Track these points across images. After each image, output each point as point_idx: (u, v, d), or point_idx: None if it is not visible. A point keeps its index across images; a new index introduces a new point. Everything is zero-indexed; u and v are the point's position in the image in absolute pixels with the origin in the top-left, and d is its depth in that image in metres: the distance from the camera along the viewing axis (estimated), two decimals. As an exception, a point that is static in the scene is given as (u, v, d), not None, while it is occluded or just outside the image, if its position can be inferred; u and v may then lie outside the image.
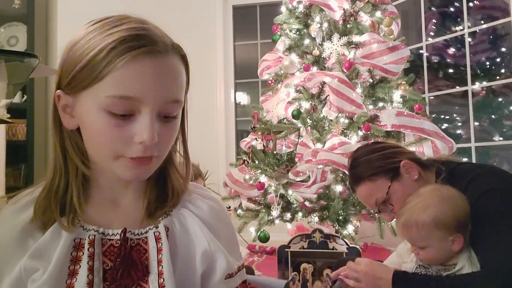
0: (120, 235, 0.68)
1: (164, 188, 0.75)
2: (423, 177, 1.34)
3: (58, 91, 0.68)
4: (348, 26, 2.54)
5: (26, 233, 0.66)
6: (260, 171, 2.50)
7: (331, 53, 2.51)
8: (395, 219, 1.36)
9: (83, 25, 0.68)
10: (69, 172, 0.69)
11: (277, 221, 2.47)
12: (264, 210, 2.48)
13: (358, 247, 2.09)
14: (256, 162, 2.56)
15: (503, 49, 3.29)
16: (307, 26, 2.68)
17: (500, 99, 3.32)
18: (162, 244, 0.69)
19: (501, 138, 3.24)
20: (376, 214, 1.53)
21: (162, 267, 0.67)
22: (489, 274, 1.08)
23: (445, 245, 1.15)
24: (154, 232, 0.70)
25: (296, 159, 2.35)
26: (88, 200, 0.71)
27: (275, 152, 2.52)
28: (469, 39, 3.16)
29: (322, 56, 2.55)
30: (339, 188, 2.30)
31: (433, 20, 3.49)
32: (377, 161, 1.38)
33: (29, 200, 0.70)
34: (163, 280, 0.66)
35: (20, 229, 0.66)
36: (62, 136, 0.70)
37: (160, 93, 0.63)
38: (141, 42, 0.62)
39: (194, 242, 0.71)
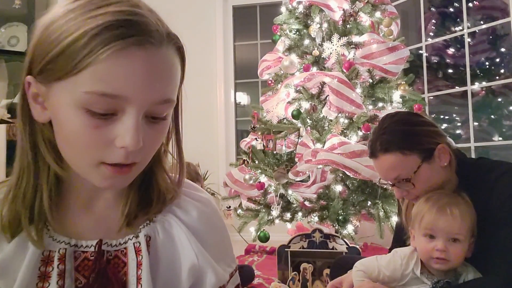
0: (95, 248, 0.60)
1: (148, 191, 0.65)
2: (451, 165, 1.25)
3: (29, 77, 0.55)
4: (348, 26, 2.55)
5: None
6: (260, 171, 2.50)
7: (331, 53, 2.52)
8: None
9: (64, 1, 0.55)
10: (40, 173, 0.59)
11: (277, 221, 2.47)
12: (264, 210, 2.48)
13: (357, 247, 2.09)
14: (256, 162, 2.56)
15: (503, 49, 3.29)
16: (307, 26, 2.69)
17: (499, 99, 3.32)
18: (142, 258, 0.61)
19: (500, 138, 3.25)
20: (390, 187, 1.42)
21: (141, 285, 0.59)
22: (505, 280, 1.05)
23: (467, 245, 1.13)
24: (134, 243, 0.62)
25: (296, 159, 2.35)
26: (60, 206, 0.62)
27: (275, 152, 2.53)
28: (469, 39, 3.17)
29: (322, 57, 2.56)
30: (338, 188, 2.30)
31: (433, 20, 3.50)
32: (416, 136, 1.25)
33: None
34: None
35: None
36: (33, 129, 0.58)
37: (150, 92, 0.52)
38: (131, 31, 0.51)
39: (180, 254, 0.63)
